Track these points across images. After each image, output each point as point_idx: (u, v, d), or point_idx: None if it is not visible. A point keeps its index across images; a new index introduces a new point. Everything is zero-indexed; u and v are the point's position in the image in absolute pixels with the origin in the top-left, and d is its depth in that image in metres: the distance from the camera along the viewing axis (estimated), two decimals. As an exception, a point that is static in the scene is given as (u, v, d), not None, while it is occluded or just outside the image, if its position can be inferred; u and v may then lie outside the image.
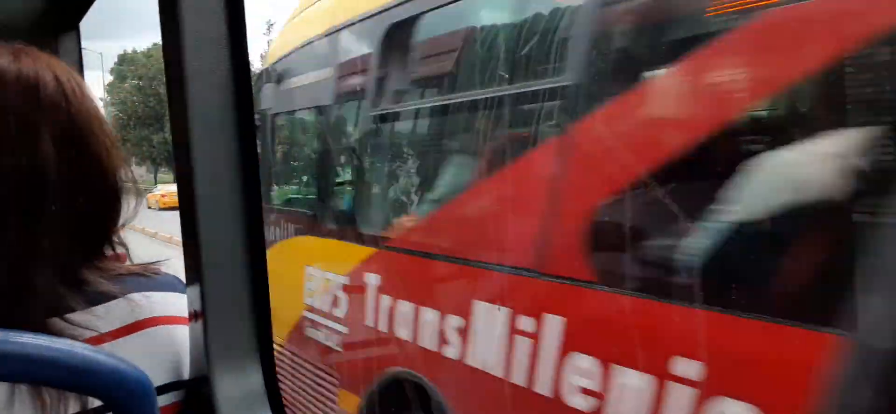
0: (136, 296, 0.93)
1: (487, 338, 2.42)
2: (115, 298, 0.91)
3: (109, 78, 64.35)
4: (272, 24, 38.26)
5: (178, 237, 1.00)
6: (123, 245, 1.00)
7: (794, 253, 1.66)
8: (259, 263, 0.96)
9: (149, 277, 0.98)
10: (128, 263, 1.00)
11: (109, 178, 0.95)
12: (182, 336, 0.98)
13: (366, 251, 3.30)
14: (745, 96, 1.78)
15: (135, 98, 47.10)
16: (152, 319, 0.94)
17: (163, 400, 0.92)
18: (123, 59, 56.53)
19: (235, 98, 0.92)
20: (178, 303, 0.99)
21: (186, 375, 0.97)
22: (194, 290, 0.94)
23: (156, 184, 37.51)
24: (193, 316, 0.96)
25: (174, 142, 0.96)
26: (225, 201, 0.93)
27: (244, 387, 0.97)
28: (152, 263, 1.03)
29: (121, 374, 0.70)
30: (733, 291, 1.71)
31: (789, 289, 1.64)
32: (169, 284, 1.01)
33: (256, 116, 4.23)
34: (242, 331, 0.97)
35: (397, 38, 3.26)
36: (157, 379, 0.89)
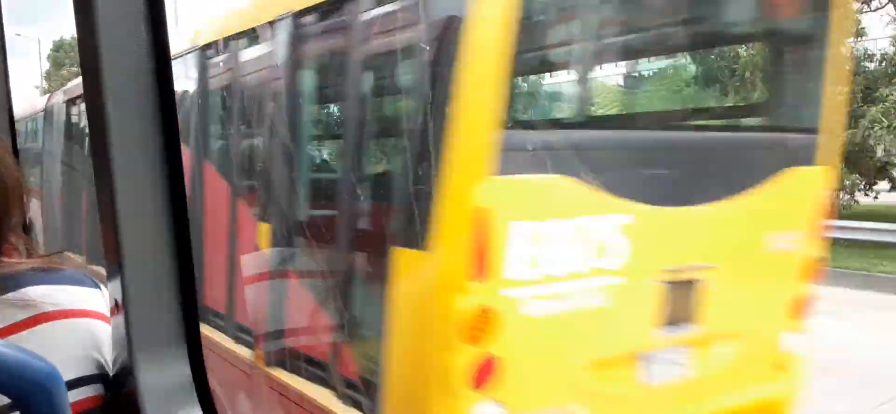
0: (30, 291, 0.91)
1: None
2: (4, 293, 0.89)
3: (47, 65, 61.83)
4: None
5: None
6: (28, 242, 0.99)
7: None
8: (184, 253, 0.94)
9: (48, 272, 0.96)
10: (31, 259, 0.98)
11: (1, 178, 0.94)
12: (86, 330, 0.95)
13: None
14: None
15: (72, 85, 44.75)
16: (48, 314, 0.91)
17: (74, 395, 0.89)
18: (60, 46, 54.32)
19: (155, 86, 0.90)
20: (82, 296, 0.97)
21: (100, 369, 0.96)
22: (115, 280, 0.91)
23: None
24: (115, 307, 0.94)
25: (91, 132, 0.94)
26: (146, 191, 0.90)
27: (170, 378, 0.95)
28: (55, 255, 1.01)
29: (25, 366, 0.67)
30: None
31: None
32: (71, 278, 0.98)
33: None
34: (167, 321, 0.94)
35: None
36: (62, 375, 0.82)
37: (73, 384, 0.90)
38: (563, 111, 5.91)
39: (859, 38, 14.36)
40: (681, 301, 3.23)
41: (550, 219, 2.88)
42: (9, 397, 0.68)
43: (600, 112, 7.07)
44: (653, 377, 3.26)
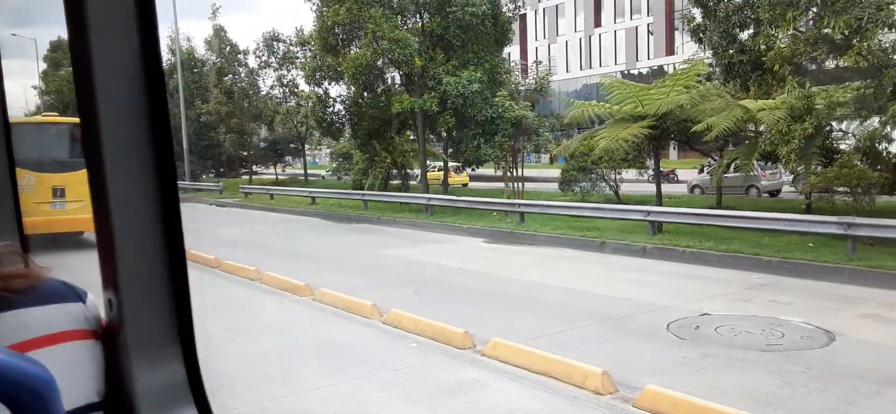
0: (10, 317, 0.85)
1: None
2: None
3: (43, 66, 61.75)
4: (217, 8, 37.38)
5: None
6: (13, 249, 0.94)
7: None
8: (177, 253, 0.94)
9: (29, 292, 0.89)
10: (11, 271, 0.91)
11: None
12: (78, 355, 0.91)
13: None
14: None
15: (71, 86, 44.98)
16: (34, 342, 0.86)
17: None
18: (57, 47, 54.67)
19: (147, 92, 0.90)
20: (62, 315, 0.91)
21: (93, 396, 0.92)
22: (109, 281, 0.90)
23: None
24: (108, 307, 0.93)
25: (83, 136, 0.93)
26: (138, 194, 0.91)
27: (165, 378, 0.95)
28: (30, 270, 0.93)
29: (20, 371, 0.66)
30: None
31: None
32: (54, 293, 0.93)
33: None
34: (161, 321, 0.94)
35: None
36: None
37: None
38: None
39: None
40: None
41: None
42: (3, 403, 0.65)
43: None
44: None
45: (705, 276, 11.33)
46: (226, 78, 37.13)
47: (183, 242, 0.98)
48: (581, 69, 60.16)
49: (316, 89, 24.91)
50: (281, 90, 38.97)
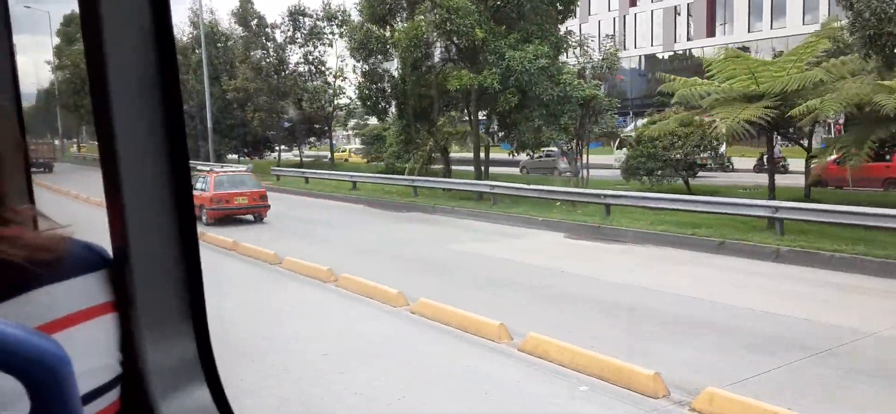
0: (37, 295, 0.79)
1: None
2: (6, 298, 0.77)
3: (57, 40, 60.23)
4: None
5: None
6: (34, 213, 0.90)
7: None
8: (189, 230, 0.94)
9: (53, 265, 0.82)
10: (23, 237, 0.81)
11: None
12: (101, 331, 0.86)
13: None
14: None
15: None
16: (60, 322, 0.81)
17: (94, 407, 0.83)
18: (71, 20, 52.99)
19: (159, 67, 0.90)
20: (93, 287, 0.87)
21: (117, 370, 0.88)
22: (121, 258, 0.89)
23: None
24: (121, 286, 0.90)
25: (95, 114, 0.90)
26: (150, 169, 0.91)
27: (176, 355, 0.94)
28: (53, 232, 0.86)
29: (34, 347, 0.63)
30: None
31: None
32: (79, 263, 0.86)
33: None
34: (173, 298, 0.94)
35: None
36: (87, 386, 0.81)
37: (93, 395, 0.83)
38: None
39: None
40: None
41: None
42: (16, 378, 0.62)
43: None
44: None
45: (875, 288, 9.37)
46: (253, 53, 35.18)
47: (194, 219, 0.97)
48: (597, 52, 57.57)
49: (362, 64, 22.88)
50: (306, 67, 36.98)
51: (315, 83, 36.88)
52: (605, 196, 15.47)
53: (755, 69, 13.09)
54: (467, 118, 24.02)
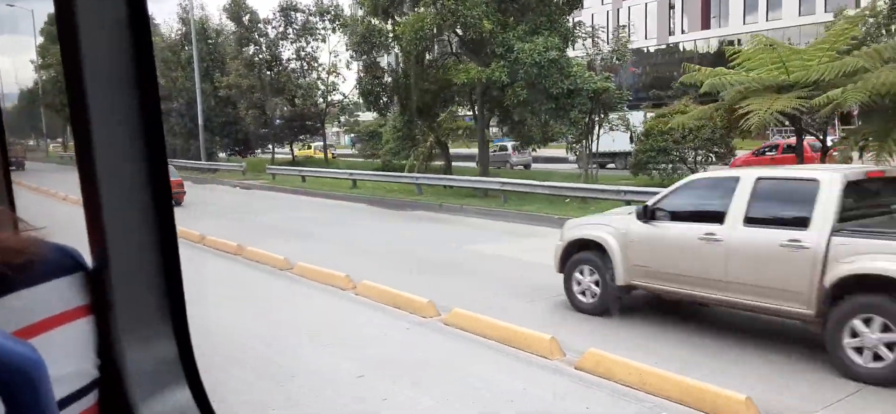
0: (10, 300, 0.78)
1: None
2: None
3: (41, 39, 58.92)
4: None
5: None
6: (12, 217, 0.89)
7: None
8: (168, 231, 0.93)
9: (26, 267, 0.79)
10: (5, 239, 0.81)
11: None
12: (77, 334, 0.85)
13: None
14: None
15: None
16: (35, 327, 0.79)
17: (72, 411, 0.82)
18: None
19: (135, 63, 0.88)
20: (68, 290, 0.86)
21: (93, 374, 0.87)
22: (99, 258, 0.88)
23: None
24: (99, 284, 0.89)
25: (71, 111, 0.89)
26: (128, 170, 0.89)
27: (156, 356, 0.93)
28: (26, 234, 0.85)
29: (6, 352, 0.62)
30: None
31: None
32: (53, 265, 0.85)
33: None
34: (152, 299, 0.93)
35: None
36: (63, 391, 0.79)
37: (69, 400, 0.82)
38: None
39: None
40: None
41: None
42: None
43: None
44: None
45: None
46: (245, 49, 34.25)
47: (173, 217, 0.96)
48: (606, 43, 57.16)
49: (365, 58, 22.06)
50: (298, 63, 36.08)
51: (308, 79, 36.03)
52: (626, 192, 14.82)
53: (787, 58, 12.47)
54: (471, 113, 23.31)
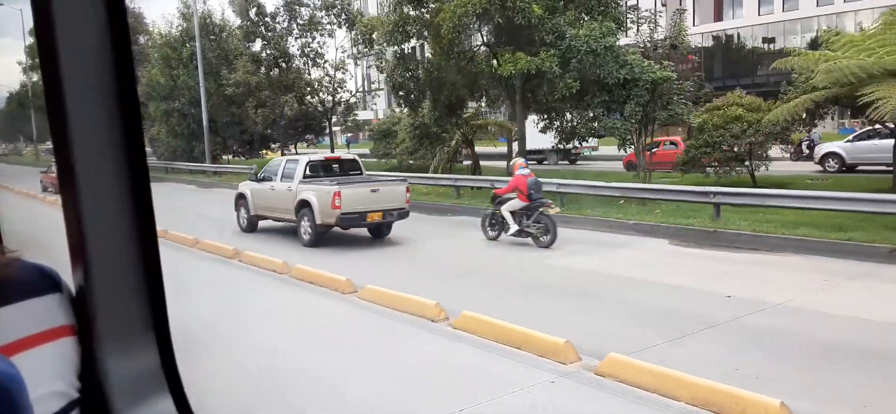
0: None
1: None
2: None
3: (30, 39, 56.69)
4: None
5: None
6: None
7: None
8: (149, 242, 0.92)
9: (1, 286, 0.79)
10: None
11: None
12: (55, 356, 0.83)
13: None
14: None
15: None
16: (10, 347, 0.78)
17: None
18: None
19: (115, 68, 0.87)
20: (40, 311, 0.84)
21: (71, 395, 0.86)
22: (79, 269, 0.88)
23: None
24: (79, 295, 0.90)
25: (51, 122, 0.89)
26: (108, 182, 0.89)
27: (138, 366, 0.92)
28: (4, 255, 0.84)
29: None
30: None
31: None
32: (29, 286, 0.84)
33: None
34: (134, 309, 0.92)
35: None
36: (43, 410, 0.77)
37: None
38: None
39: None
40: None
41: None
42: None
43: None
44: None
45: None
46: (251, 44, 32.29)
47: (154, 225, 0.94)
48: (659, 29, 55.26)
49: (396, 49, 20.21)
50: (303, 60, 34.12)
51: (316, 75, 34.16)
52: (715, 194, 13.09)
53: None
54: (507, 108, 21.52)
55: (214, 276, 10.93)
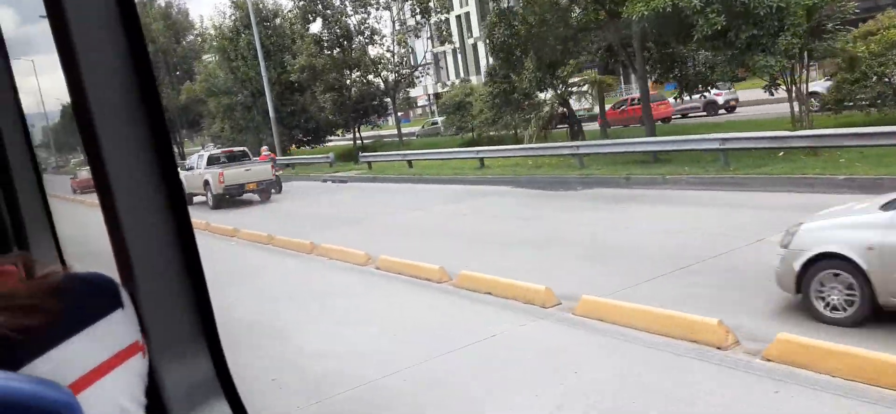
0: (56, 354, 0.69)
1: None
2: (20, 365, 0.66)
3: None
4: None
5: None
6: (27, 259, 0.78)
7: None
8: (190, 248, 0.91)
9: (50, 328, 0.69)
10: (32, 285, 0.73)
11: None
12: (123, 380, 0.75)
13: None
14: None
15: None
16: (83, 381, 0.70)
17: None
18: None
19: (136, 75, 0.86)
20: (105, 335, 0.74)
21: (139, 409, 0.80)
22: (127, 284, 0.84)
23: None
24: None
25: (85, 146, 0.87)
26: (144, 193, 0.87)
27: (193, 374, 0.91)
28: (48, 280, 0.75)
29: (40, 398, 0.60)
30: None
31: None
32: (85, 312, 0.74)
33: None
34: (183, 318, 0.91)
35: None
36: None
37: None
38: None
39: None
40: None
41: None
42: None
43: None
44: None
45: None
46: (313, 23, 30.33)
47: (194, 238, 0.92)
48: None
49: (498, 4, 17.92)
50: (358, 38, 32.01)
51: (374, 52, 32.08)
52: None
53: None
54: (613, 61, 19.00)
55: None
